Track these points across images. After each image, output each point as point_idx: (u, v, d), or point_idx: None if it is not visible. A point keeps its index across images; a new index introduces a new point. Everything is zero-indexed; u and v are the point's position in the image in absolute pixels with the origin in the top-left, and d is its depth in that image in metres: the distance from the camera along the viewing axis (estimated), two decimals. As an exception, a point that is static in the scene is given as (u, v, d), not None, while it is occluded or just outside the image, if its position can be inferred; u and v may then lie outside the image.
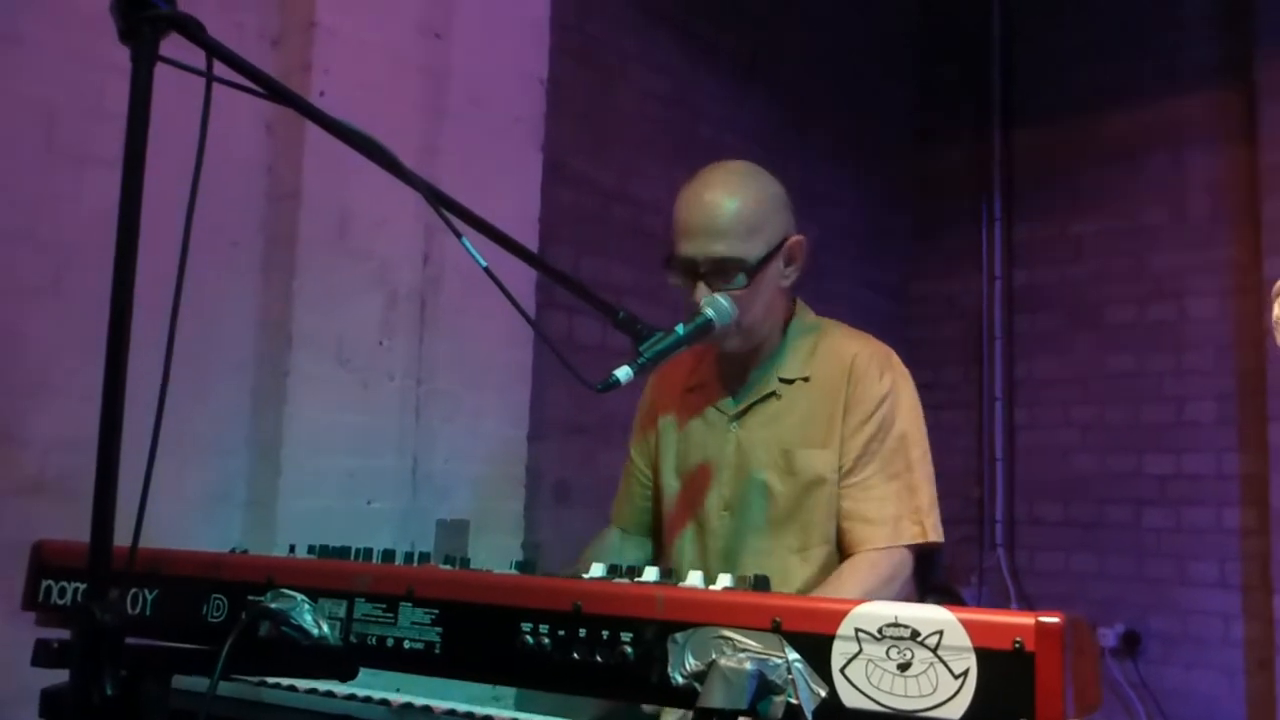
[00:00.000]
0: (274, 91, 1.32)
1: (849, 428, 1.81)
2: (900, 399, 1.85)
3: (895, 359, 1.90)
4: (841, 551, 1.83)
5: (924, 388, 5.95)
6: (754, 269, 1.75)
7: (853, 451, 1.81)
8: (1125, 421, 4.86)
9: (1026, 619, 0.92)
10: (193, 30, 1.17)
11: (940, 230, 5.55)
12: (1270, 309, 1.93)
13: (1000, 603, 4.97)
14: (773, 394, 1.87)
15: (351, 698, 1.50)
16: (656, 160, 4.08)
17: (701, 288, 1.77)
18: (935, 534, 1.81)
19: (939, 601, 1.02)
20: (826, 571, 1.81)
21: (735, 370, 1.92)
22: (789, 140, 4.73)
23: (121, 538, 1.10)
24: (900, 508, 1.79)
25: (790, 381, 1.87)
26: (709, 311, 1.73)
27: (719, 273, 1.75)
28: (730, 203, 1.77)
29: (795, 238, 1.85)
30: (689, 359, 2.01)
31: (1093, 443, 4.95)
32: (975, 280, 5.38)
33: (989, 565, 5.13)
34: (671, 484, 1.97)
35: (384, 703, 1.51)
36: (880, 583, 1.72)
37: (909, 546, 1.79)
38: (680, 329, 1.69)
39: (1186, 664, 4.62)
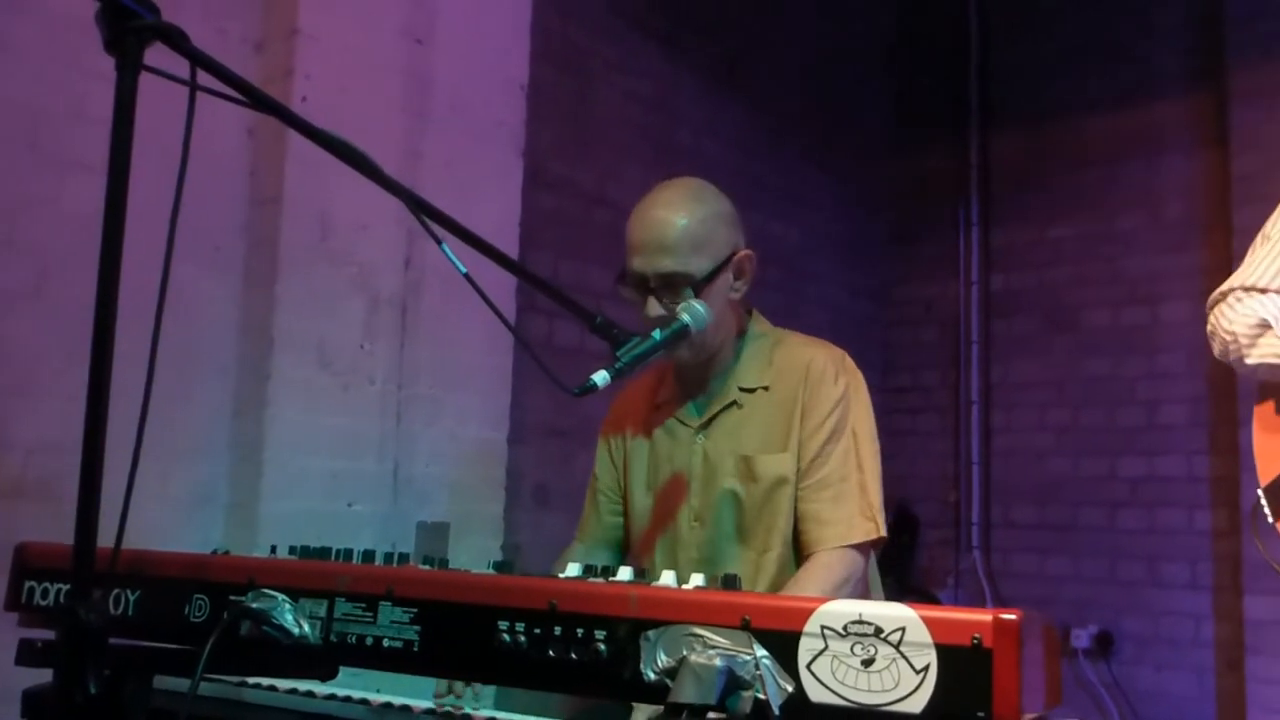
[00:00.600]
0: (256, 100, 1.34)
1: (806, 431, 1.87)
2: (853, 401, 1.90)
3: (849, 362, 1.95)
4: (799, 550, 1.88)
5: (902, 391, 5.97)
6: (701, 283, 1.80)
7: (809, 453, 1.86)
8: (1099, 425, 4.92)
9: (984, 616, 0.96)
10: (176, 40, 1.19)
11: (918, 235, 5.60)
12: (1206, 321, 1.99)
13: (976, 605, 5.01)
14: (734, 403, 1.92)
15: (332, 697, 1.51)
16: (636, 165, 4.11)
17: (652, 302, 1.82)
18: (884, 529, 1.87)
19: (913, 602, 1.05)
20: (783, 570, 1.86)
21: (695, 383, 1.96)
22: (768, 145, 4.77)
23: (105, 539, 1.12)
24: (852, 507, 1.84)
25: (750, 391, 1.92)
26: (685, 317, 1.77)
27: (668, 287, 1.80)
28: (677, 219, 1.81)
29: (744, 252, 1.89)
30: (650, 378, 2.06)
31: (1067, 446, 5.00)
32: (953, 284, 5.44)
33: (965, 568, 5.18)
34: (643, 499, 2.00)
35: (364, 702, 1.53)
36: (834, 586, 1.76)
37: (863, 544, 1.84)
38: (657, 334, 1.73)
39: (1158, 664, 4.68)
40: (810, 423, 1.86)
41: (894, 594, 2.08)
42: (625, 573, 1.20)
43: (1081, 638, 4.75)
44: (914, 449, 5.37)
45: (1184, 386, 4.71)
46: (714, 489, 1.90)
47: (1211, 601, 4.56)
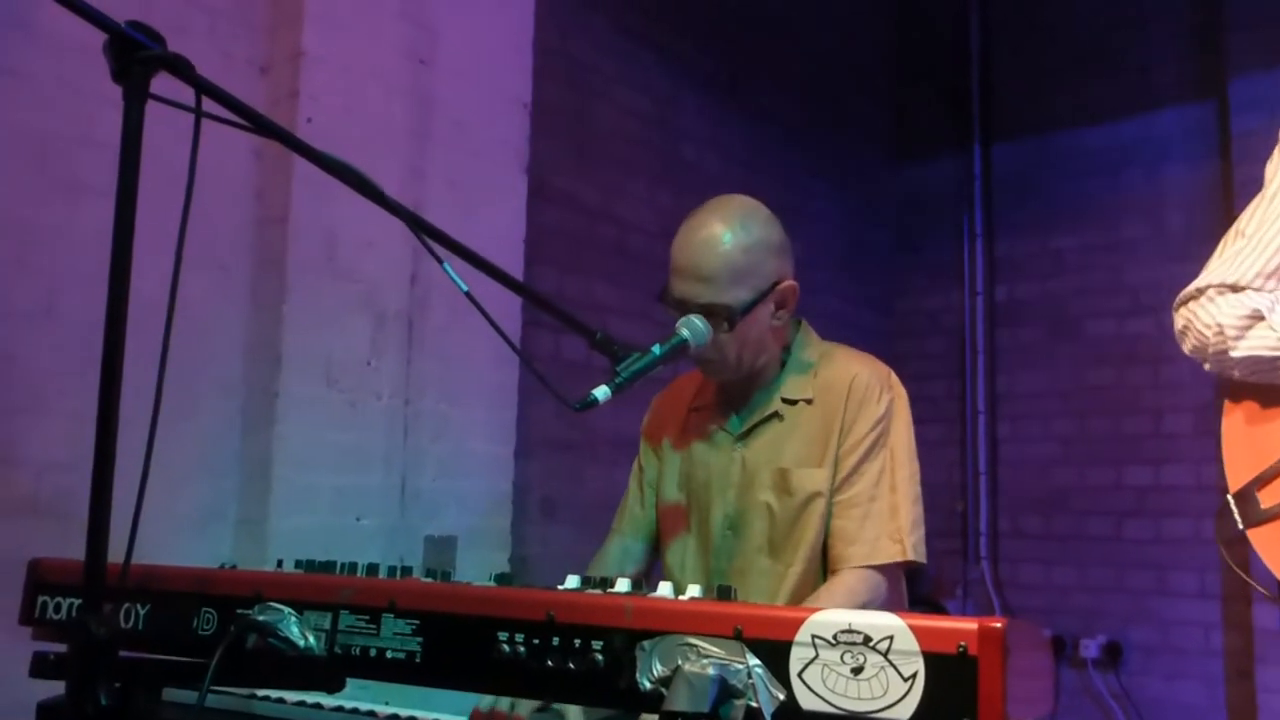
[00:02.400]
0: (260, 125, 1.37)
1: (845, 447, 1.85)
2: (894, 421, 1.89)
3: (894, 380, 1.93)
4: (825, 565, 1.87)
5: (908, 402, 5.94)
6: (738, 315, 1.79)
7: (844, 470, 1.85)
8: (1105, 434, 4.92)
9: (969, 624, 0.98)
10: (182, 69, 1.22)
11: (922, 246, 5.63)
12: (1174, 320, 1.94)
13: (985, 615, 5.00)
14: (775, 414, 1.90)
15: (339, 709, 1.54)
16: (639, 180, 4.14)
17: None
18: (915, 553, 1.83)
19: (921, 613, 1.07)
20: (805, 585, 1.85)
21: (739, 392, 1.95)
22: (770, 159, 4.80)
23: (115, 555, 1.15)
24: (880, 528, 1.82)
25: (793, 402, 1.90)
26: (684, 332, 1.77)
27: (705, 315, 1.78)
28: (720, 248, 1.79)
29: (787, 283, 1.87)
30: (694, 379, 2.05)
31: (1074, 455, 5.01)
32: (957, 295, 5.46)
33: (973, 578, 5.18)
34: (674, 498, 1.99)
35: (371, 714, 1.56)
36: (854, 607, 1.73)
37: (889, 565, 1.82)
38: (656, 349, 1.73)
39: (1168, 674, 4.67)
40: (849, 439, 1.84)
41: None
42: (622, 584, 1.22)
43: (1090, 647, 4.74)
44: (921, 459, 5.34)
45: (1190, 395, 4.72)
46: (749, 499, 1.89)
47: (1221, 611, 4.55)
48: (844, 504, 1.84)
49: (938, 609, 4.88)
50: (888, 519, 1.83)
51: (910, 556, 1.82)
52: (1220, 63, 4.70)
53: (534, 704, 1.61)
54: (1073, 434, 5.03)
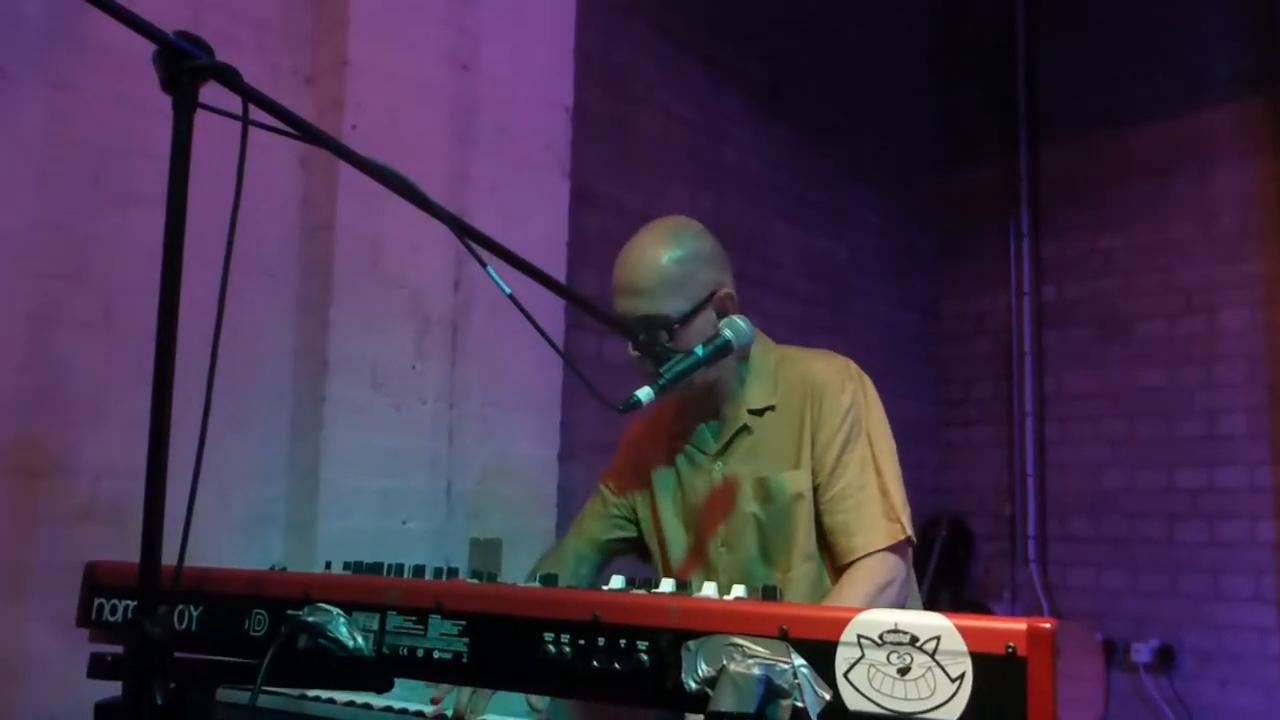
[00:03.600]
0: (307, 133, 1.39)
1: (819, 445, 1.87)
2: (862, 407, 1.90)
3: (854, 368, 1.95)
4: (831, 563, 1.88)
5: (955, 404, 5.92)
6: (679, 325, 1.83)
7: (826, 467, 1.86)
8: (1156, 436, 4.85)
9: (1019, 625, 0.97)
10: (230, 79, 1.24)
11: (968, 248, 5.58)
12: None
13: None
14: (745, 427, 1.93)
15: (388, 709, 1.56)
16: (682, 184, 4.15)
17: (630, 345, 1.84)
18: (910, 529, 1.86)
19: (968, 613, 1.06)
20: (812, 586, 1.86)
21: (708, 411, 1.98)
22: (814, 163, 4.78)
23: (169, 558, 1.17)
24: (876, 512, 1.84)
25: (759, 413, 1.93)
26: (727, 333, 1.78)
27: (648, 328, 1.82)
28: (652, 262, 1.85)
29: (724, 291, 1.90)
30: (668, 408, 2.07)
31: (1124, 457, 4.94)
32: (1004, 297, 5.40)
33: (1022, 581, 5.12)
34: (675, 527, 2.01)
35: (419, 714, 1.57)
36: (878, 589, 1.77)
37: (897, 546, 1.84)
38: (700, 350, 1.75)
39: (1223, 679, 4.58)
40: (822, 436, 1.86)
41: (949, 608, 2.05)
42: (667, 584, 1.22)
43: (1142, 652, 4.67)
44: (968, 462, 5.33)
45: (1243, 396, 4.64)
46: (736, 514, 1.91)
47: (1277, 615, 4.47)
48: (835, 499, 1.85)
49: (986, 612, 4.83)
50: (881, 502, 1.85)
51: (909, 533, 1.85)
52: (1274, 58, 4.62)
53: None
54: (1122, 435, 4.96)
